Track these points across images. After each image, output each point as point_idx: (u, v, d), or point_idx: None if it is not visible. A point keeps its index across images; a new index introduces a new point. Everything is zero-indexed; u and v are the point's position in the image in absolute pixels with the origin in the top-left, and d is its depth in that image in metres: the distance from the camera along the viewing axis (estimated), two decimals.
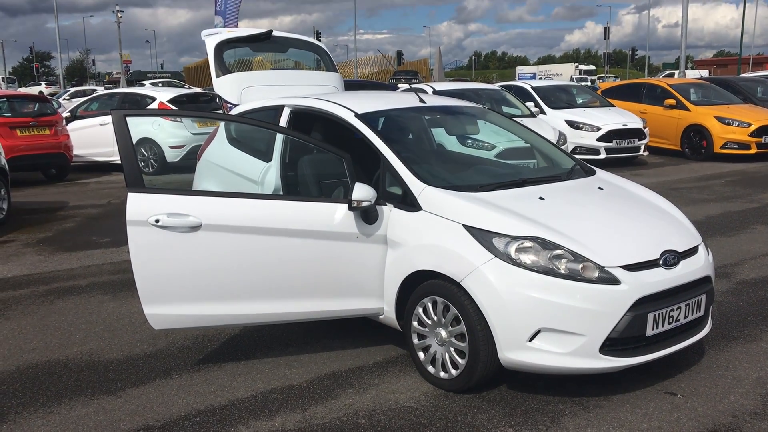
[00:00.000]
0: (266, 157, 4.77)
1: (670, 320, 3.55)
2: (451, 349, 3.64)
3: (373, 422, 3.40)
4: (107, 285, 5.79)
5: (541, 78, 35.50)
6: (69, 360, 4.25)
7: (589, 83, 34.57)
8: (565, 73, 61.28)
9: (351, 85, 13.76)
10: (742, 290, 5.32)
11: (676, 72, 30.36)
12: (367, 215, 3.85)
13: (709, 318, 3.96)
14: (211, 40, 5.85)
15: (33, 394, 3.80)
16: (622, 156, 12.70)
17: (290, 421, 3.43)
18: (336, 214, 3.83)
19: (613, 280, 3.39)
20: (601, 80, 47.69)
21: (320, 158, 4.57)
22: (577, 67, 65.18)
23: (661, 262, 3.56)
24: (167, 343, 4.47)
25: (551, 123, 11.84)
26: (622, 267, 3.43)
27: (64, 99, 26.68)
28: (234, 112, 5.45)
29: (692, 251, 3.80)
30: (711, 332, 4.16)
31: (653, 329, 3.48)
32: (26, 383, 3.94)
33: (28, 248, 7.20)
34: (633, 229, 3.77)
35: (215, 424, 3.42)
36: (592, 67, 67.71)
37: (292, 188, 4.63)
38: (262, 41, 6.13)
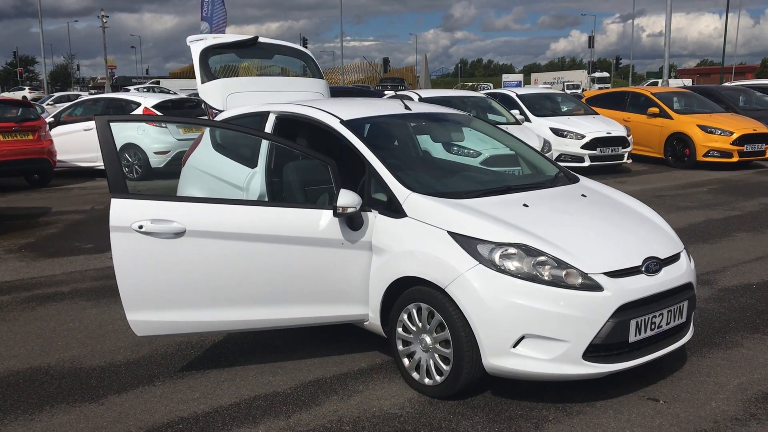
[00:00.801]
0: (251, 163, 4.76)
1: (653, 326, 3.58)
2: (436, 355, 3.64)
3: (357, 429, 3.40)
4: (90, 291, 5.75)
5: (552, 85, 33.72)
6: (51, 367, 4.21)
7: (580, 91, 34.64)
8: (578, 80, 60.63)
9: (337, 92, 13.77)
10: (723, 297, 5.37)
11: (660, 81, 30.67)
12: (352, 222, 3.85)
13: (691, 324, 3.99)
14: (196, 45, 5.83)
15: (14, 401, 3.76)
16: (606, 164, 12.79)
17: (274, 428, 3.42)
18: (321, 221, 3.83)
19: (596, 287, 3.41)
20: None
21: (305, 164, 4.57)
22: (590, 74, 63.86)
23: (643, 269, 3.59)
24: (150, 349, 4.44)
25: (536, 130, 11.92)
26: (605, 273, 3.46)
27: (47, 104, 26.48)
28: (219, 118, 5.44)
29: (674, 258, 3.83)
30: (693, 338, 4.20)
31: (636, 335, 3.50)
32: (7, 390, 3.89)
33: (10, 254, 7.13)
34: (616, 236, 3.80)
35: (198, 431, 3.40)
36: (606, 74, 66.09)
37: (277, 194, 4.63)
38: (248, 47, 6.13)
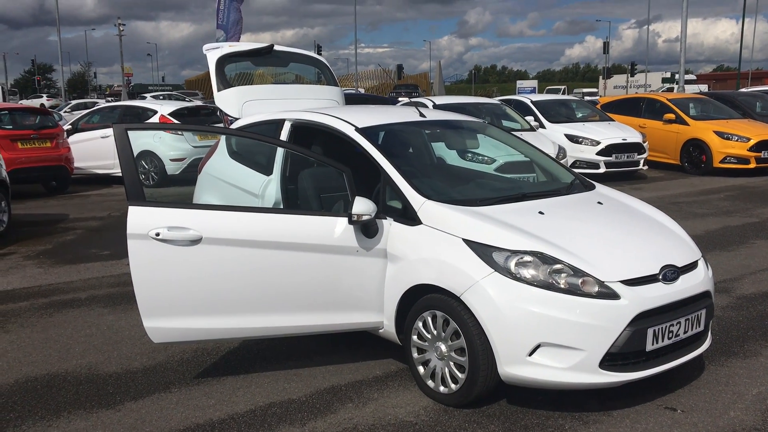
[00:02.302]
0: (267, 170, 4.78)
1: (670, 335, 3.55)
2: (451, 363, 3.63)
3: None
4: (107, 298, 5.79)
5: (625, 89, 29.45)
6: (68, 373, 4.24)
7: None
8: (654, 84, 55.31)
9: (351, 99, 13.82)
10: (741, 305, 5.31)
11: (675, 86, 30.44)
12: (367, 229, 3.86)
13: (709, 333, 3.96)
14: (212, 54, 5.88)
15: (32, 407, 3.79)
16: (622, 170, 12.73)
17: None
18: (336, 228, 3.84)
19: (613, 295, 3.39)
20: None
21: (320, 172, 4.58)
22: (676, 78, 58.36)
23: (660, 277, 3.56)
24: (166, 356, 4.46)
25: (551, 137, 11.88)
26: (621, 282, 3.44)
27: (65, 111, 26.76)
28: (235, 125, 5.47)
29: (692, 266, 3.80)
30: (711, 347, 4.15)
31: (653, 344, 3.47)
32: (25, 396, 3.93)
33: (29, 261, 7.20)
34: (632, 244, 3.77)
35: None
36: (693, 76, 57.69)
37: (293, 202, 4.64)
38: (264, 55, 6.16)
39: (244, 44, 6.30)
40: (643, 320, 3.43)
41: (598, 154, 12.55)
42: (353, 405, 3.74)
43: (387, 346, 4.27)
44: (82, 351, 4.60)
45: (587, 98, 23.55)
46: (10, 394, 3.96)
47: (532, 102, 13.98)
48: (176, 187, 11.40)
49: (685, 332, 3.63)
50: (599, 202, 4.25)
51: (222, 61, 5.84)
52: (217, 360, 4.41)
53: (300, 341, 4.63)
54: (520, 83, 65.67)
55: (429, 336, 3.73)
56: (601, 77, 63.17)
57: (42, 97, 56.38)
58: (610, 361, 3.40)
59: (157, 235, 3.67)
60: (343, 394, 3.88)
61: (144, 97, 33.98)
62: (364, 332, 4.18)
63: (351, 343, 4.55)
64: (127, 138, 3.78)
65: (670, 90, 39.01)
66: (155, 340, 3.89)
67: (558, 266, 3.43)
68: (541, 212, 3.89)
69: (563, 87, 59.92)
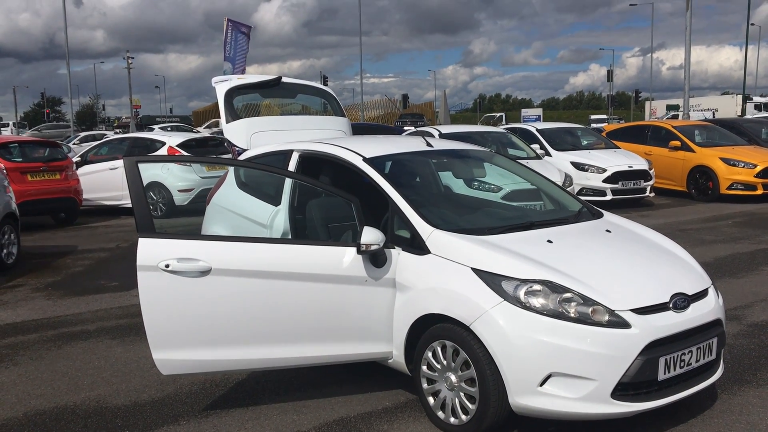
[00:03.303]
0: (275, 201, 4.81)
1: (682, 364, 3.52)
2: (461, 394, 3.61)
3: None
4: (115, 329, 5.79)
5: (688, 113, 25.87)
6: (77, 406, 4.23)
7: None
8: (723, 109, 46.21)
9: (357, 128, 13.92)
10: (753, 333, 5.27)
11: (680, 114, 30.45)
12: (376, 259, 3.86)
13: (721, 361, 3.92)
14: (221, 86, 5.95)
15: None
16: (629, 197, 12.73)
17: None
18: (345, 258, 3.84)
19: (624, 324, 3.37)
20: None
21: (329, 202, 4.61)
22: (748, 100, 46.26)
23: (671, 306, 3.54)
24: (175, 388, 4.45)
25: (557, 165, 11.91)
26: (632, 310, 3.42)
27: (74, 143, 27.01)
28: (243, 156, 5.51)
29: (702, 294, 3.78)
30: (723, 376, 4.11)
31: (665, 373, 3.44)
32: (34, 430, 3.91)
33: (37, 292, 7.22)
34: (642, 272, 3.76)
35: None
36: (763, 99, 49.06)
37: (301, 232, 4.66)
38: (272, 87, 6.24)
39: (253, 76, 6.38)
40: (655, 349, 3.40)
41: (604, 181, 12.56)
42: None
43: (396, 376, 4.24)
44: (91, 383, 4.59)
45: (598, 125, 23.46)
46: (19, 427, 3.95)
47: (537, 130, 14.05)
48: (185, 218, 11.45)
49: (697, 361, 3.60)
50: (608, 230, 4.25)
51: (231, 93, 5.91)
52: (226, 392, 4.39)
53: (309, 372, 4.60)
54: (525, 111, 65.96)
55: (439, 366, 3.71)
56: (647, 101, 61.87)
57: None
58: (622, 390, 3.37)
59: (167, 266, 3.68)
60: (353, 425, 3.85)
61: (152, 129, 34.30)
62: (374, 363, 4.16)
63: (360, 373, 4.52)
64: (138, 171, 3.81)
65: (675, 117, 39.10)
66: (164, 372, 3.88)
67: (568, 295, 3.42)
68: (549, 241, 3.89)
69: (500, 114, 60.13)
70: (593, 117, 58.87)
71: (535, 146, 12.71)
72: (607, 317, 3.37)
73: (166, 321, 3.76)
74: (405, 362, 3.93)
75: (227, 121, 5.78)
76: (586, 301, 3.41)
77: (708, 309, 3.72)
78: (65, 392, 4.45)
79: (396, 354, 3.97)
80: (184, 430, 3.85)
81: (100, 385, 4.56)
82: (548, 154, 13.03)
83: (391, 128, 20.47)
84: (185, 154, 12.63)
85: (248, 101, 6.36)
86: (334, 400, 4.19)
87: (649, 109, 58.29)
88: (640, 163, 12.94)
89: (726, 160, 13.06)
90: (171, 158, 11.95)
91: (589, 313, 3.37)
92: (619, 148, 13.97)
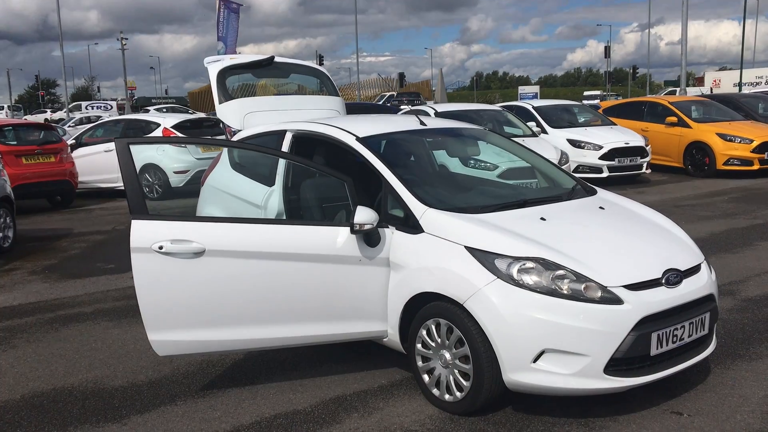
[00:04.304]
0: (269, 181, 4.80)
1: (675, 339, 3.54)
2: (456, 371, 3.63)
3: None
4: (112, 312, 5.81)
5: (685, 89, 24.15)
6: (74, 388, 4.25)
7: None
8: None
9: (353, 108, 13.86)
10: (746, 307, 5.30)
11: (677, 89, 30.38)
12: (370, 238, 3.87)
13: (714, 336, 3.95)
14: (213, 67, 5.92)
15: (38, 422, 3.80)
16: (625, 174, 12.72)
17: None
18: (339, 238, 3.85)
19: (616, 300, 3.39)
20: None
21: (322, 182, 4.60)
22: None
23: (663, 281, 3.56)
24: (171, 369, 4.47)
25: (553, 142, 11.89)
26: (624, 286, 3.44)
27: (69, 126, 26.89)
28: (237, 137, 5.50)
29: (695, 269, 3.80)
30: (716, 350, 4.14)
31: (657, 348, 3.47)
32: (31, 412, 3.94)
33: (34, 276, 7.23)
34: (635, 249, 3.77)
35: None
36: None
37: (295, 212, 4.66)
38: (264, 67, 6.20)
39: (245, 56, 6.34)
40: (647, 325, 3.42)
41: (600, 158, 12.55)
42: (359, 415, 3.74)
43: (392, 355, 4.27)
44: (88, 365, 4.62)
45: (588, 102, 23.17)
46: (17, 409, 3.98)
47: (533, 108, 14.00)
48: (180, 200, 11.43)
49: (689, 336, 3.63)
50: (601, 207, 4.25)
51: (223, 74, 5.88)
52: (222, 372, 4.42)
53: (305, 351, 4.63)
54: (522, 89, 65.69)
55: (433, 344, 3.73)
56: (705, 72, 54.44)
57: (46, 112, 56.67)
58: (615, 366, 3.40)
59: (161, 248, 3.69)
60: (349, 404, 3.88)
61: (147, 110, 34.14)
62: (369, 342, 4.19)
63: (356, 352, 4.55)
64: (129, 152, 3.80)
65: (673, 93, 38.99)
66: (160, 353, 3.90)
67: (560, 272, 3.43)
68: (542, 218, 3.89)
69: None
70: (586, 93, 58.33)
71: (532, 124, 12.66)
72: (599, 293, 3.39)
73: (160, 302, 3.77)
74: (400, 341, 3.95)
75: (220, 102, 5.75)
76: (579, 277, 3.42)
77: (701, 284, 3.74)
78: (63, 374, 4.47)
79: (391, 332, 3.99)
80: (181, 410, 3.88)
81: (98, 366, 4.59)
82: (544, 131, 13.00)
83: (386, 107, 20.37)
84: (180, 135, 12.58)
85: (243, 81, 6.32)
86: (330, 378, 4.22)
87: (709, 81, 48.60)
88: (636, 140, 12.92)
89: (723, 136, 13.04)
90: (163, 140, 11.90)
91: (581, 289, 3.39)
92: (615, 124, 13.94)
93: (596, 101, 28.25)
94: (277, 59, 6.27)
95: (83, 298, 6.29)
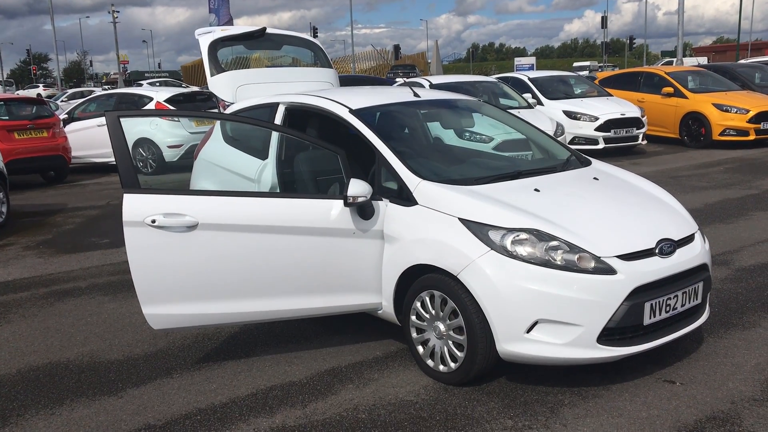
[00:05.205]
0: (262, 154, 4.77)
1: (668, 309, 3.56)
2: (450, 342, 3.65)
3: (373, 417, 3.42)
4: (107, 286, 5.81)
5: (681, 59, 25.60)
6: (70, 362, 4.27)
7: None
8: None
9: (347, 81, 13.75)
10: (740, 277, 5.32)
11: (674, 60, 30.19)
12: (364, 211, 3.85)
13: (707, 305, 3.97)
14: (204, 39, 5.85)
15: (34, 396, 3.82)
16: (621, 145, 12.69)
17: (291, 418, 3.45)
18: (332, 211, 3.83)
19: (609, 270, 3.39)
20: None
21: (316, 155, 4.57)
22: None
23: (657, 251, 3.56)
24: (167, 342, 4.48)
25: (549, 114, 11.83)
26: (618, 257, 3.44)
27: (62, 101, 26.67)
28: (229, 110, 5.45)
29: (688, 239, 3.80)
30: (709, 320, 4.17)
31: (650, 318, 3.49)
32: (27, 386, 3.96)
33: (28, 251, 7.22)
34: (628, 219, 3.77)
35: (216, 422, 3.44)
36: None
37: (289, 185, 4.64)
38: (256, 39, 6.13)
39: (237, 28, 6.26)
40: (640, 294, 3.43)
41: (596, 129, 12.50)
42: (354, 386, 3.76)
43: (386, 327, 4.29)
44: (84, 339, 4.63)
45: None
46: (13, 383, 3.99)
47: (529, 79, 13.91)
48: (175, 174, 11.39)
49: (682, 305, 3.64)
50: (595, 178, 4.24)
51: (214, 46, 5.81)
52: (218, 345, 4.43)
53: (299, 324, 4.65)
54: (518, 60, 65.19)
55: (427, 316, 3.75)
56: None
57: (38, 87, 56.19)
58: (608, 335, 3.42)
59: (153, 222, 3.67)
60: (344, 375, 3.90)
61: (140, 85, 33.86)
62: (364, 314, 4.20)
63: (351, 325, 4.57)
64: (120, 126, 3.77)
65: (670, 63, 38.76)
66: (155, 326, 3.90)
67: (554, 243, 3.43)
68: (536, 189, 3.88)
69: None
70: (576, 65, 57.55)
71: (527, 95, 12.60)
72: (593, 264, 3.39)
73: (154, 276, 3.76)
74: (394, 312, 3.97)
75: (211, 75, 5.69)
76: (573, 248, 3.42)
77: (694, 254, 3.75)
78: (58, 348, 4.49)
79: (385, 305, 4.00)
80: (177, 383, 3.90)
81: (93, 340, 4.60)
82: (540, 103, 12.94)
83: (381, 80, 20.24)
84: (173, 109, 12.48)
85: (236, 54, 6.25)
86: (326, 351, 4.24)
87: None
88: (632, 111, 12.87)
89: (719, 106, 12.99)
90: (154, 112, 11.81)
91: (575, 260, 3.39)
92: (611, 95, 13.87)
93: (585, 72, 27.88)
94: (270, 30, 6.20)
95: (78, 272, 6.29)
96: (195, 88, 16.85)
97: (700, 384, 3.61)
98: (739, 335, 4.21)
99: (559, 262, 3.38)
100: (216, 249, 3.76)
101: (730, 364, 3.82)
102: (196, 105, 13.21)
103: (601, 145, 12.46)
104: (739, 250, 6.06)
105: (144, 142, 11.93)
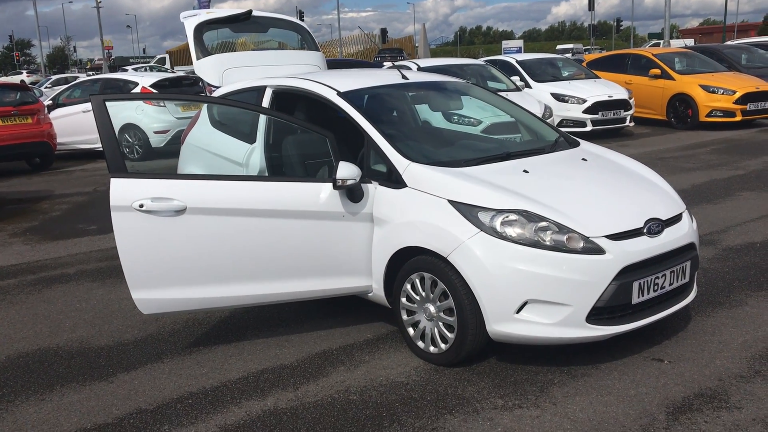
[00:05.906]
0: (250, 138, 4.74)
1: (656, 288, 3.58)
2: (440, 323, 3.66)
3: (364, 398, 3.43)
4: (95, 272, 5.78)
5: (668, 41, 26.19)
6: (59, 348, 4.25)
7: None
8: None
9: (335, 64, 13.66)
10: (727, 256, 5.37)
11: (662, 42, 30.25)
12: (353, 194, 3.85)
13: (695, 284, 4.00)
14: (190, 21, 5.78)
15: (24, 382, 3.80)
16: (609, 127, 12.72)
17: (282, 400, 3.46)
18: (321, 194, 3.82)
19: (598, 250, 3.41)
20: None
21: (304, 138, 4.55)
22: None
23: (645, 231, 3.58)
24: (157, 327, 4.47)
25: (537, 96, 11.84)
26: (606, 237, 3.46)
27: (46, 87, 26.37)
28: (216, 94, 5.41)
29: (676, 219, 3.82)
30: (697, 298, 4.21)
31: (639, 297, 3.51)
32: (17, 372, 3.94)
33: (15, 238, 7.16)
34: (617, 199, 3.79)
35: (208, 406, 3.44)
36: None
37: (277, 169, 4.62)
38: (242, 21, 6.07)
39: (222, 10, 6.20)
40: (629, 274, 3.45)
41: (584, 112, 12.52)
42: (345, 368, 3.77)
43: (377, 309, 4.29)
44: (73, 325, 4.61)
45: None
46: (3, 370, 3.97)
47: (517, 62, 13.89)
48: (161, 160, 11.32)
49: (670, 284, 3.67)
50: (583, 159, 4.25)
51: (200, 29, 5.75)
52: (209, 329, 4.43)
53: (290, 307, 4.65)
54: (506, 43, 65.03)
55: (418, 298, 3.76)
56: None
57: (22, 73, 55.50)
58: (597, 315, 3.44)
59: (141, 206, 3.65)
60: (335, 357, 3.91)
61: (125, 70, 33.54)
62: (354, 297, 4.20)
63: (341, 308, 4.57)
64: (106, 109, 3.73)
65: (657, 45, 38.82)
66: (144, 311, 3.89)
67: (543, 224, 3.44)
68: (525, 171, 3.89)
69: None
70: (560, 47, 57.46)
71: (515, 78, 12.59)
72: (582, 244, 3.41)
73: (143, 261, 3.74)
74: (385, 295, 3.97)
75: (197, 58, 5.64)
76: (561, 228, 3.43)
77: (682, 233, 3.77)
78: (47, 335, 4.47)
79: (376, 287, 4.00)
80: (167, 368, 3.89)
81: (82, 326, 4.58)
82: (528, 85, 12.94)
83: (369, 63, 20.14)
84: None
85: (223, 39, 6.19)
86: (316, 334, 4.25)
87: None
88: (620, 93, 12.89)
89: (705, 87, 13.03)
90: (139, 96, 11.70)
91: (564, 240, 3.40)
92: (599, 78, 13.88)
93: (569, 55, 27.87)
94: (256, 13, 6.15)
95: (66, 259, 6.25)
96: (181, 73, 16.72)
97: (687, 362, 3.64)
98: (726, 313, 4.25)
99: (548, 243, 3.40)
100: (205, 233, 3.74)
101: (717, 342, 3.86)
102: (183, 90, 13.11)
103: (588, 128, 12.49)
104: (726, 230, 6.11)
105: (130, 128, 11.83)
